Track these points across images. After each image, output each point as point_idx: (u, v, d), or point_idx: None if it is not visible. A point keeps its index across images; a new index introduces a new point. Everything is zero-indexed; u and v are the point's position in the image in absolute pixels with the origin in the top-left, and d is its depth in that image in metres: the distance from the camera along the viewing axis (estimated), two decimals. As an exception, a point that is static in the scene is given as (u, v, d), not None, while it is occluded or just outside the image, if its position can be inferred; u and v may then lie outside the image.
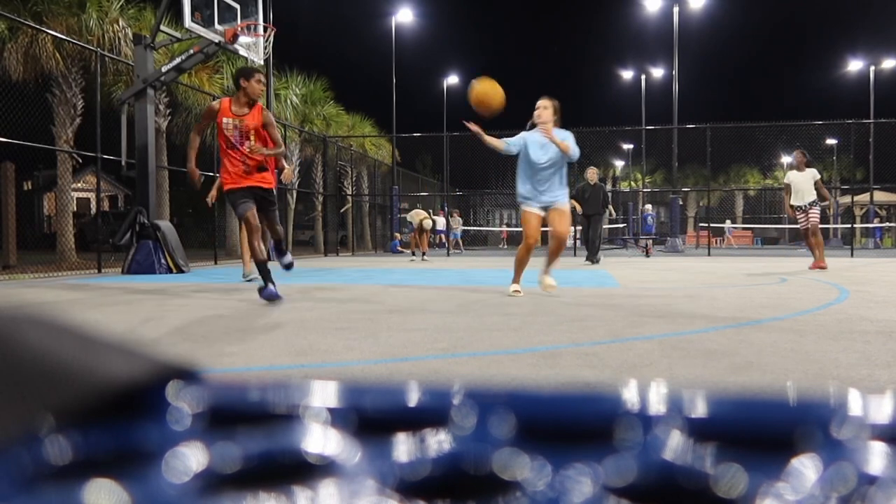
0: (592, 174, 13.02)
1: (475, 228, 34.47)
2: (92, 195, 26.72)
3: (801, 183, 9.93)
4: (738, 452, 0.22)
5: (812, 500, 0.19)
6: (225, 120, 5.52)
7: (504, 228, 35.04)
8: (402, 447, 0.23)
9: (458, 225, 24.15)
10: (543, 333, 3.62)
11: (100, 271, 9.75)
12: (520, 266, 5.98)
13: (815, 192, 9.86)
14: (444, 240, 28.31)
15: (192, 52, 9.57)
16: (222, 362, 2.89)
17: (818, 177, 9.92)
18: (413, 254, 16.43)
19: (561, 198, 5.94)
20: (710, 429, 0.23)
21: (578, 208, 12.39)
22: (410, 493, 0.20)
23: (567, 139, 5.74)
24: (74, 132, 13.40)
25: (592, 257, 12.60)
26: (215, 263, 13.03)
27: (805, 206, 9.92)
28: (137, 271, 9.29)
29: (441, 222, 21.67)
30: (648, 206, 23.91)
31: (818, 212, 9.86)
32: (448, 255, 19.19)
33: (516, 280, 5.91)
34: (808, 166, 10.08)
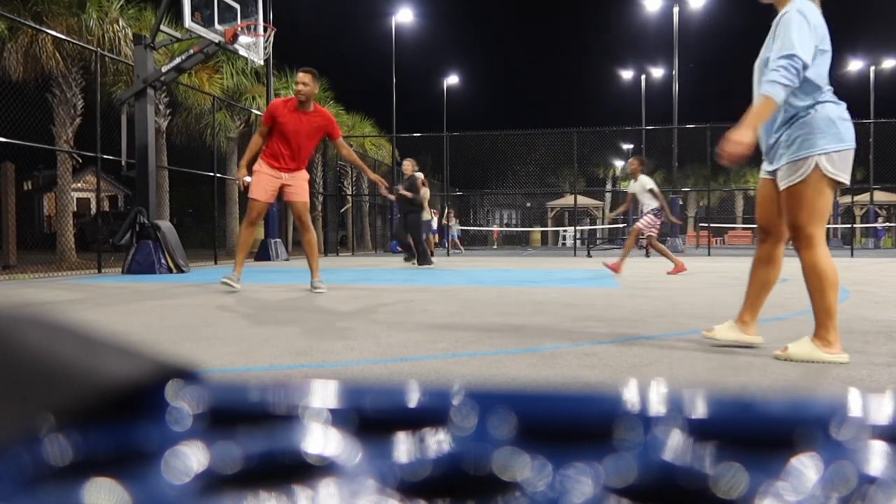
0: (408, 166, 11.31)
1: (475, 228, 34.46)
2: (92, 195, 26.74)
3: (637, 194, 9.53)
4: (738, 452, 0.22)
5: (812, 500, 0.19)
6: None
7: (495, 228, 35.02)
8: (402, 447, 0.23)
9: (454, 224, 24.22)
10: (543, 333, 3.62)
11: (100, 271, 9.75)
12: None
13: (654, 201, 9.38)
14: (437, 240, 28.34)
15: (192, 52, 9.57)
16: (222, 362, 2.89)
17: (650, 185, 9.49)
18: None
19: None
20: (710, 429, 0.23)
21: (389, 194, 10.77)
22: (410, 493, 0.20)
23: None
24: (74, 132, 13.41)
25: (420, 259, 11.31)
26: (215, 263, 13.03)
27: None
28: (137, 271, 9.29)
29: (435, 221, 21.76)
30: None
31: (650, 218, 9.33)
32: (448, 254, 19.18)
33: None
34: (643, 174, 9.64)
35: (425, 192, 11.14)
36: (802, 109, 2.87)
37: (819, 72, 2.89)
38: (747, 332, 3.19)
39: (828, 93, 2.89)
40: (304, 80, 6.30)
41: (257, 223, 6.45)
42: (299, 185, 6.34)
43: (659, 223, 9.41)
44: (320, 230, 21.56)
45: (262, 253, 14.45)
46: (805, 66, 2.80)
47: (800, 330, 3.69)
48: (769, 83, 2.81)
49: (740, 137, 2.80)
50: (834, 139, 2.85)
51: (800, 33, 2.81)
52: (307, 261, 6.45)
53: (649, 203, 9.38)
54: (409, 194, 11.05)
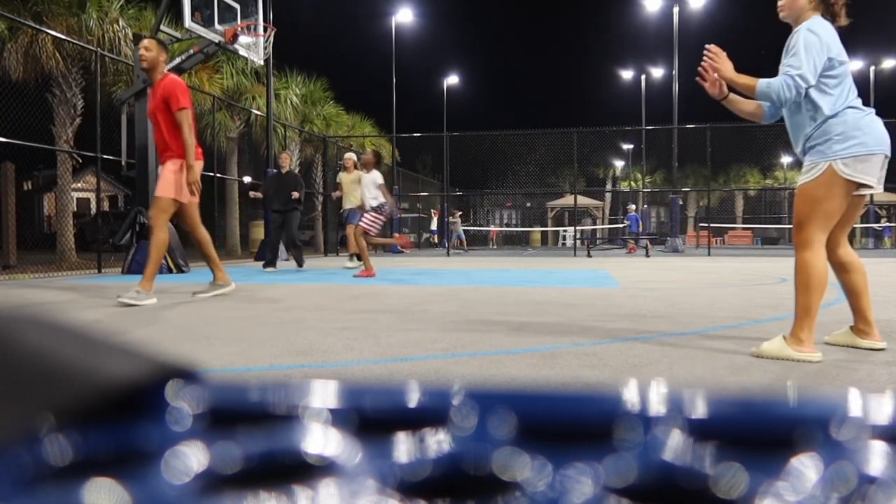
0: (286, 159, 10.64)
1: (475, 228, 34.46)
2: (92, 195, 26.74)
3: (365, 187, 9.21)
4: (738, 452, 0.22)
5: (812, 500, 0.19)
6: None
7: (493, 228, 34.99)
8: (402, 447, 0.23)
9: (458, 223, 24.27)
10: (543, 333, 3.62)
11: (100, 271, 9.75)
12: None
13: (380, 198, 9.06)
14: (436, 240, 28.35)
15: (192, 52, 9.57)
16: (222, 362, 2.89)
17: (380, 180, 9.10)
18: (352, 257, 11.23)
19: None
20: (710, 429, 0.23)
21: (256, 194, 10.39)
22: (410, 493, 0.20)
23: None
24: (74, 132, 13.40)
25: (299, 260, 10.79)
26: (215, 263, 13.02)
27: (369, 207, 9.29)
28: (137, 271, 9.27)
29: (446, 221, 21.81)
30: (632, 207, 23.86)
31: (373, 216, 9.02)
32: (448, 254, 19.18)
33: None
34: (376, 168, 9.36)
35: (370, 177, 9.29)
36: (822, 121, 2.93)
37: (839, 82, 2.95)
38: (867, 337, 3.20)
39: (850, 101, 2.95)
40: (146, 45, 5.49)
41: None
42: (161, 178, 5.53)
43: (382, 220, 9.17)
44: (320, 230, 21.57)
45: (261, 253, 14.46)
46: (808, 86, 2.89)
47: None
48: (767, 83, 2.91)
49: (727, 73, 2.99)
50: (852, 144, 2.89)
51: (808, 52, 2.88)
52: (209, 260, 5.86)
53: (374, 199, 9.03)
54: (294, 194, 10.11)
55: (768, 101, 3.01)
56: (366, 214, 9.02)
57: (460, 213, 26.07)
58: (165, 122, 5.46)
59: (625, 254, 19.29)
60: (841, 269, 3.27)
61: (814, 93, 2.93)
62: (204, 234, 5.75)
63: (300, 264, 10.57)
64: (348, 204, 10.87)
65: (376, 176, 9.00)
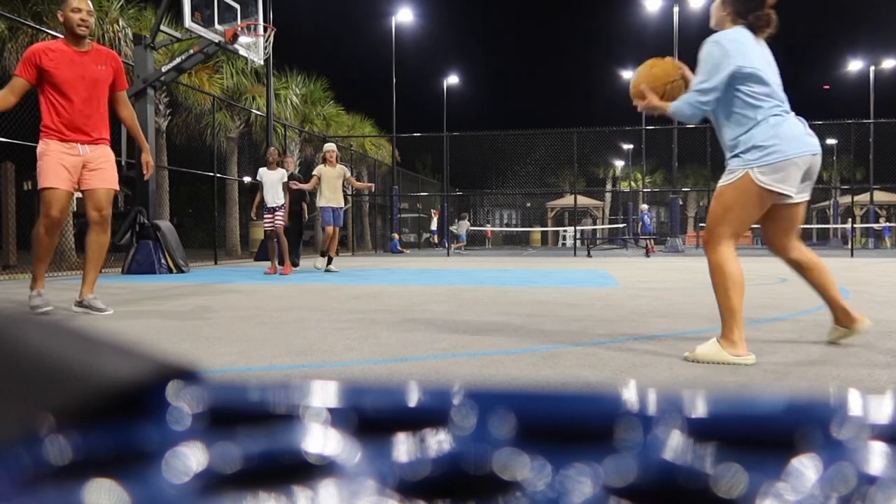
0: (290, 164, 10.66)
1: (475, 228, 34.47)
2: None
3: (333, 178, 9.50)
4: (738, 452, 0.22)
5: (812, 500, 0.19)
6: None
7: (489, 228, 34.97)
8: (402, 447, 0.23)
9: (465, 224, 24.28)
10: (543, 333, 3.62)
11: (100, 271, 9.75)
12: None
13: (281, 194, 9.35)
14: (436, 240, 28.36)
15: (192, 52, 9.57)
16: (222, 362, 2.89)
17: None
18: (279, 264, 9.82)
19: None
20: (710, 429, 0.23)
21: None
22: (410, 493, 0.20)
23: None
24: (74, 132, 13.38)
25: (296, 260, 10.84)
26: (215, 263, 13.03)
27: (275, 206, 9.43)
28: (137, 271, 9.29)
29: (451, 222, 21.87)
30: (644, 207, 23.70)
31: (283, 214, 9.40)
32: (448, 255, 19.18)
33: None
34: (280, 166, 9.61)
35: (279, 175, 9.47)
36: (746, 130, 2.97)
37: (761, 90, 2.97)
38: (854, 324, 3.20)
39: (771, 108, 2.96)
40: (87, 7, 4.59)
41: (60, 225, 4.70)
42: (106, 164, 4.78)
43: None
44: (320, 230, 21.57)
45: (261, 253, 14.46)
46: (707, 101, 2.97)
47: (800, 330, 3.69)
48: (674, 107, 3.04)
49: (652, 103, 3.11)
50: (769, 152, 2.91)
51: (707, 65, 2.97)
52: (85, 269, 4.80)
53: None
54: (306, 186, 9.98)
55: (682, 116, 3.08)
56: (281, 212, 9.42)
57: (465, 214, 26.21)
58: (105, 97, 4.80)
59: (643, 256, 19.01)
60: (801, 269, 3.30)
61: (737, 102, 2.97)
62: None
63: (294, 264, 10.87)
64: (326, 202, 9.54)
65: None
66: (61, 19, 4.59)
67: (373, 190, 9.72)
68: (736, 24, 3.08)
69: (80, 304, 4.65)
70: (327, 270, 9.85)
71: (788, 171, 2.93)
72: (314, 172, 9.69)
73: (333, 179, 9.55)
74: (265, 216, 9.47)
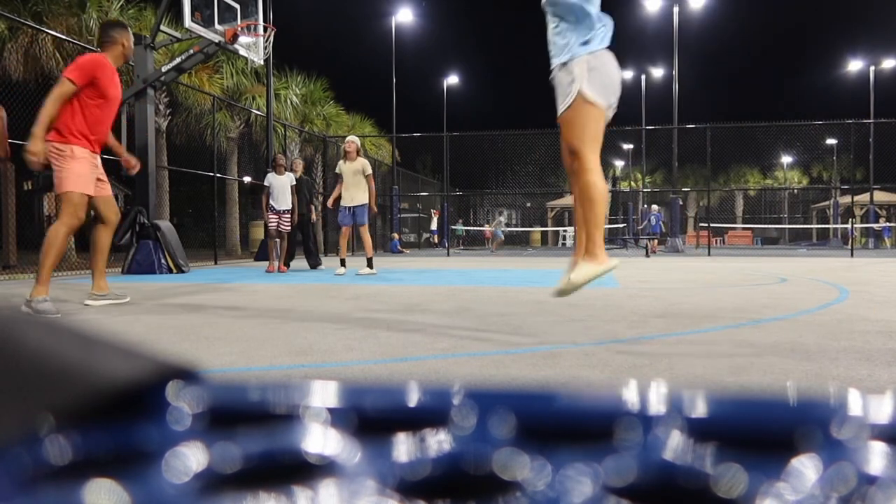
0: (299, 166, 10.63)
1: (476, 228, 34.45)
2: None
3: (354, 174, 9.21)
4: (738, 452, 0.22)
5: (812, 500, 0.19)
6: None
7: (487, 228, 34.91)
8: (402, 447, 0.23)
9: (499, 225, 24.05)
10: (543, 333, 3.62)
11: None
12: None
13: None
14: (436, 240, 28.32)
15: (192, 52, 9.57)
16: (222, 362, 2.89)
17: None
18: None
19: None
20: (710, 429, 0.23)
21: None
22: (410, 493, 0.20)
23: None
24: (74, 132, 13.40)
25: (316, 261, 10.92)
26: (215, 263, 13.03)
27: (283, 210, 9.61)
28: (137, 271, 9.29)
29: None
30: (655, 207, 23.48)
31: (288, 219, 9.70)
32: (448, 255, 19.18)
33: None
34: (288, 170, 9.80)
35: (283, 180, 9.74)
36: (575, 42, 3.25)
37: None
38: (599, 261, 3.32)
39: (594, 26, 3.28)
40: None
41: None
42: (104, 174, 5.22)
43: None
44: (320, 230, 21.57)
45: (261, 253, 14.47)
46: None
47: (800, 330, 3.69)
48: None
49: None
50: (592, 75, 3.22)
51: None
52: (100, 264, 5.22)
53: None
54: (334, 194, 9.75)
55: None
56: (285, 216, 9.60)
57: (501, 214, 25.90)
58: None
59: (643, 255, 19.04)
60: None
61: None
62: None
63: (315, 266, 10.87)
64: (342, 200, 9.22)
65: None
66: (119, 45, 5.08)
67: (375, 212, 9.49)
68: None
69: (98, 297, 5.21)
70: (359, 274, 9.07)
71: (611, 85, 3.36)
72: (336, 171, 9.42)
73: (350, 175, 9.13)
74: (271, 217, 9.77)
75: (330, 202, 9.68)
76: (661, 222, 22.22)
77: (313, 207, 11.31)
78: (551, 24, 3.35)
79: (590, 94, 3.21)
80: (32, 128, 4.74)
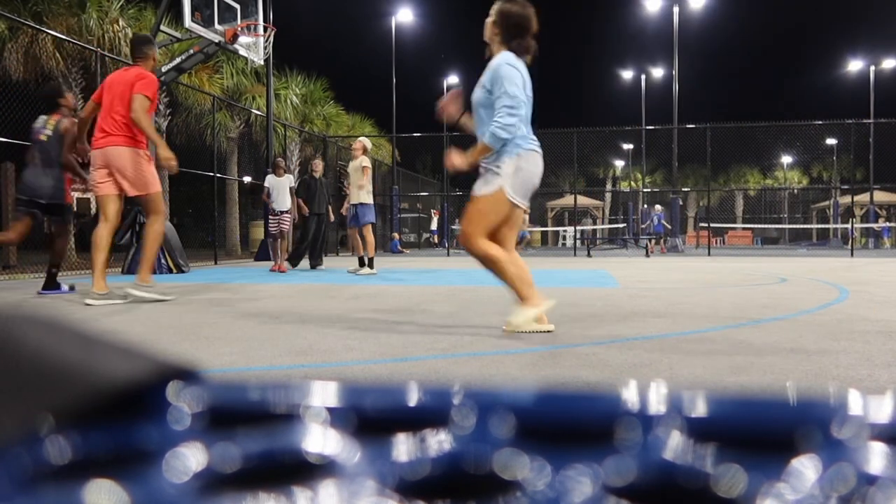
0: (318, 166, 10.76)
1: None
2: (92, 195, 26.71)
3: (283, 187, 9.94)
4: (738, 452, 0.22)
5: (812, 500, 0.19)
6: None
7: None
8: (402, 447, 0.23)
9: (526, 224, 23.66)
10: (543, 333, 3.62)
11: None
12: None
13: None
14: (436, 240, 28.29)
15: (192, 52, 9.57)
16: (222, 362, 2.89)
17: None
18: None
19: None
20: (710, 429, 0.23)
21: (304, 208, 10.31)
22: (410, 493, 0.20)
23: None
24: (74, 132, 13.39)
25: (317, 262, 10.93)
26: (215, 263, 13.03)
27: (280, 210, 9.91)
28: (137, 271, 9.28)
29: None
30: (658, 207, 23.39)
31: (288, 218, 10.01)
32: (448, 255, 19.17)
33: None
34: (286, 172, 10.28)
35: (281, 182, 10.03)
36: (505, 147, 3.54)
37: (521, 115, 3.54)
38: (533, 303, 3.65)
39: (525, 133, 3.58)
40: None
41: None
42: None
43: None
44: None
45: (261, 253, 14.47)
46: (519, 119, 3.48)
47: (800, 330, 3.69)
48: (490, 132, 3.48)
49: (460, 162, 3.62)
50: (517, 175, 3.53)
51: (513, 86, 3.46)
52: (150, 256, 5.67)
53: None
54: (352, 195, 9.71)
55: (502, 142, 3.53)
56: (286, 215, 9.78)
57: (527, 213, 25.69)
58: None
59: (654, 254, 19.14)
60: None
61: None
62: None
63: (317, 266, 10.88)
64: (354, 199, 9.20)
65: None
66: (152, 59, 5.78)
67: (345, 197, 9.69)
68: (503, 48, 3.61)
69: (99, 296, 5.39)
70: (358, 273, 9.09)
71: (526, 187, 3.63)
72: (348, 169, 9.60)
73: (353, 172, 9.18)
74: (271, 218, 9.98)
75: (344, 209, 9.87)
76: (662, 222, 22.17)
77: (331, 208, 11.17)
78: (488, 119, 3.63)
79: (510, 193, 3.51)
80: (153, 139, 5.44)
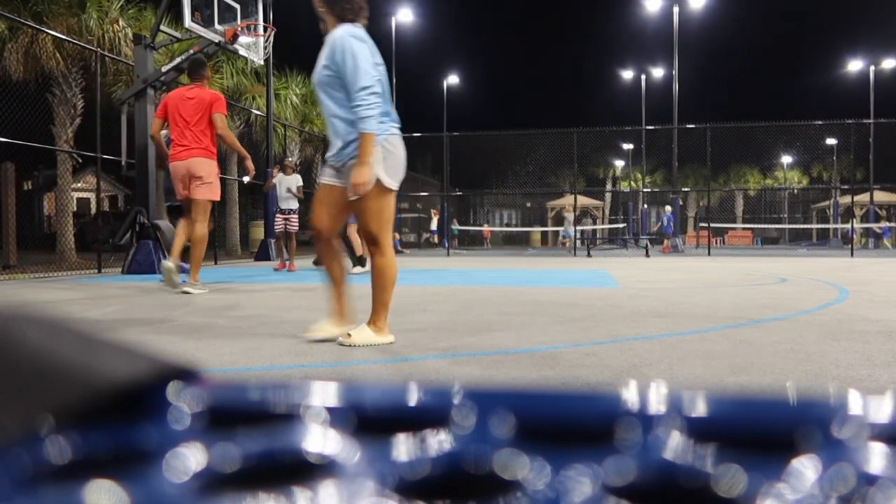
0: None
1: (475, 228, 34.44)
2: (92, 195, 26.73)
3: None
4: (738, 452, 0.22)
5: (812, 500, 0.19)
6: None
7: (486, 228, 34.79)
8: (402, 447, 0.23)
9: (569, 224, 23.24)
10: (543, 333, 3.62)
11: (100, 271, 9.75)
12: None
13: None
14: (436, 240, 28.27)
15: (192, 52, 9.57)
16: (222, 362, 2.89)
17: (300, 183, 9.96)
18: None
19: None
20: (710, 429, 0.23)
21: None
22: (410, 493, 0.20)
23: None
24: (74, 132, 13.41)
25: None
26: (215, 263, 13.02)
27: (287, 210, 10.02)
28: (137, 271, 9.29)
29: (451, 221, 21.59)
30: (668, 208, 23.27)
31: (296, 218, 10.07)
32: (448, 255, 19.17)
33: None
34: (293, 171, 10.34)
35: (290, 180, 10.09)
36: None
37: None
38: (381, 334, 3.37)
39: (388, 111, 3.30)
40: None
41: None
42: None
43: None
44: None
45: (261, 253, 14.47)
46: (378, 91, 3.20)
47: (800, 330, 3.69)
48: (363, 120, 3.17)
49: (364, 178, 3.18)
50: (387, 160, 3.28)
51: (364, 61, 3.19)
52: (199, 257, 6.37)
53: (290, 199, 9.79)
54: None
55: (377, 123, 3.23)
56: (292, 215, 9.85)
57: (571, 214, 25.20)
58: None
59: (667, 253, 19.31)
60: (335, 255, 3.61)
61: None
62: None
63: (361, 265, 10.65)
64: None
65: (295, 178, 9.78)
66: (207, 78, 6.45)
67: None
68: (336, 21, 3.35)
69: (194, 285, 6.12)
70: (351, 272, 9.37)
71: (399, 168, 3.40)
72: None
73: None
74: (278, 217, 10.00)
75: None
76: (672, 223, 22.14)
77: None
78: (333, 100, 3.37)
79: (387, 180, 3.27)
80: (241, 152, 6.63)
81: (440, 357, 2.98)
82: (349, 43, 3.20)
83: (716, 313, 4.51)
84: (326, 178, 3.46)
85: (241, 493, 0.20)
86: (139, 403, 0.26)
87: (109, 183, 30.98)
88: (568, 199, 28.88)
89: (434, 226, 29.04)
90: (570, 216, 23.44)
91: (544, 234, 34.76)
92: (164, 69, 9.61)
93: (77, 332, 0.29)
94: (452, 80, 38.03)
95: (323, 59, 3.33)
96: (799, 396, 0.25)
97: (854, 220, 20.80)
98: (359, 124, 3.20)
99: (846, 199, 28.74)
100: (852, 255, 17.04)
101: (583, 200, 33.57)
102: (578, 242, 20.04)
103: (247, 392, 0.27)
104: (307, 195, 10.98)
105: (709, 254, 18.64)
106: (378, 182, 3.24)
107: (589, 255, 18.04)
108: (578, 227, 20.80)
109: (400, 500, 0.20)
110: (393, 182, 3.32)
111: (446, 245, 20.45)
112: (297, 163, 13.11)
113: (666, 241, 21.06)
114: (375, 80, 3.20)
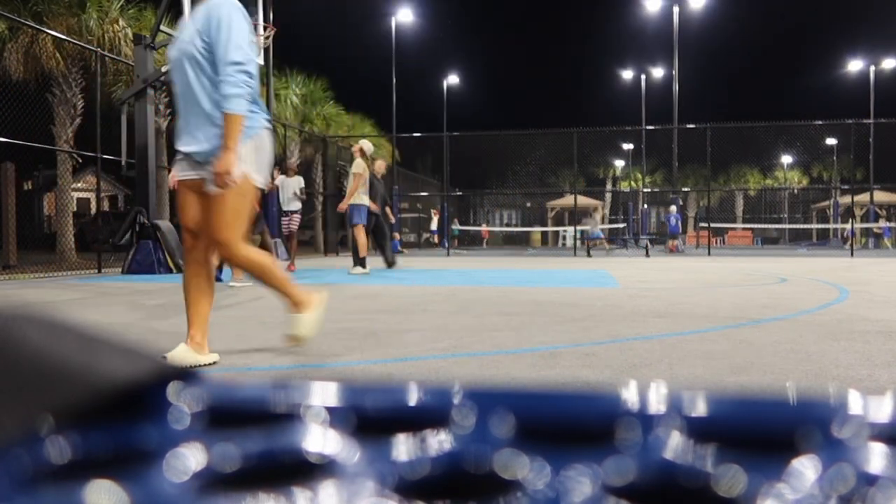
0: (381, 167, 10.62)
1: (475, 228, 34.43)
2: (92, 195, 26.72)
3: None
4: (738, 452, 0.22)
5: (812, 499, 0.19)
6: None
7: (484, 228, 34.75)
8: (402, 447, 0.23)
9: (595, 224, 22.88)
10: (543, 333, 3.62)
11: (100, 271, 9.75)
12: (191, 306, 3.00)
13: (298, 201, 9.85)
14: (436, 240, 28.28)
15: (192, 52, 9.57)
16: (222, 362, 2.89)
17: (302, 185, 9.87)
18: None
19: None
20: (710, 429, 0.23)
21: (374, 206, 9.62)
22: (410, 493, 0.20)
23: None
24: (74, 132, 13.40)
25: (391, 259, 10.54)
26: (215, 263, 13.02)
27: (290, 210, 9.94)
28: (137, 271, 9.29)
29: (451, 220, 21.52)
30: (673, 208, 23.20)
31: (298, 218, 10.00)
32: (448, 255, 19.17)
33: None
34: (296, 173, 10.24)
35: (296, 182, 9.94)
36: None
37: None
38: (203, 351, 2.88)
39: (256, 100, 2.89)
40: None
41: None
42: None
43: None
44: (320, 230, 21.56)
45: (262, 253, 14.46)
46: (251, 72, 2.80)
47: (800, 330, 3.69)
48: (229, 99, 2.74)
49: (229, 166, 2.73)
50: (258, 156, 2.88)
51: (240, 34, 2.78)
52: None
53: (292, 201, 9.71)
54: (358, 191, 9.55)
55: (247, 104, 2.82)
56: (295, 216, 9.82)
57: (597, 213, 24.67)
58: None
59: (675, 252, 19.40)
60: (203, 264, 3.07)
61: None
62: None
63: (392, 264, 10.33)
64: (350, 199, 9.23)
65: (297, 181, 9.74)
66: None
67: (341, 209, 9.69)
68: None
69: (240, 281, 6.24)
70: (350, 273, 9.22)
71: (264, 161, 2.96)
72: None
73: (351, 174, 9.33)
74: (282, 219, 9.98)
75: (373, 206, 9.71)
76: (679, 222, 22.07)
77: (388, 209, 10.74)
78: (202, 77, 2.84)
79: (256, 177, 2.88)
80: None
81: (440, 357, 2.98)
82: (228, 11, 2.81)
83: (716, 313, 4.51)
84: (183, 172, 2.93)
85: (240, 493, 0.20)
86: (139, 403, 0.26)
87: (109, 183, 30.98)
88: (568, 200, 28.87)
89: (434, 226, 29.04)
90: (597, 215, 23.23)
91: (544, 234, 34.76)
92: (164, 69, 9.61)
93: (77, 332, 0.29)
94: (452, 80, 38.04)
95: (192, 27, 2.85)
96: (799, 396, 0.25)
97: (854, 220, 20.79)
98: (223, 103, 2.75)
99: (846, 199, 28.75)
100: (852, 255, 17.04)
101: (583, 200, 33.57)
102: (579, 242, 20.03)
103: (247, 392, 0.27)
104: (308, 195, 11.02)
105: (709, 254, 18.64)
106: (246, 178, 2.82)
107: (589, 255, 18.04)
108: (578, 227, 20.74)
109: (400, 500, 0.20)
110: (260, 178, 2.92)
111: (446, 245, 20.44)
112: (298, 164, 13.16)
113: (672, 241, 21.07)
114: (250, 59, 2.80)
